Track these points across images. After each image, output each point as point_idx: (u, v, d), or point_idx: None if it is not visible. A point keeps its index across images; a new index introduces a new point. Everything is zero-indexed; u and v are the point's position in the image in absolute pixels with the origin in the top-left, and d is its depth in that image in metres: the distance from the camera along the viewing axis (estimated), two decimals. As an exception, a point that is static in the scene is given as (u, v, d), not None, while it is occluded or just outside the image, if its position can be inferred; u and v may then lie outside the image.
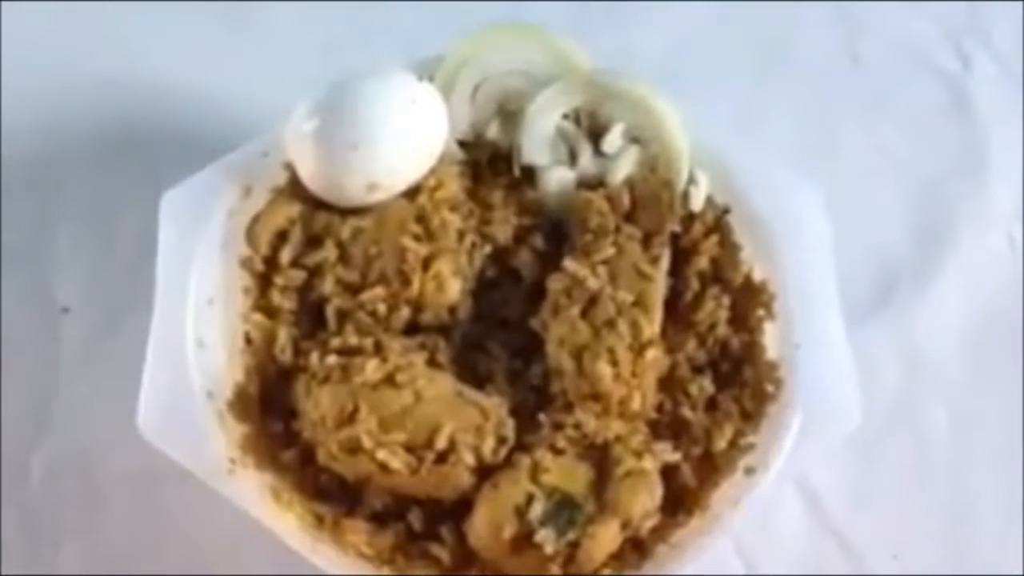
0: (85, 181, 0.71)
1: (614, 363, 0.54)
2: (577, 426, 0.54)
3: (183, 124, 0.72)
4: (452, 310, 0.57)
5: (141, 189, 0.62)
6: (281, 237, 0.57)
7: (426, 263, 0.57)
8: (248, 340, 0.57)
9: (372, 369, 0.53)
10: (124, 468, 0.64)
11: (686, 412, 0.57)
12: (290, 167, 0.60)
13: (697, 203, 0.61)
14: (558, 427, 0.54)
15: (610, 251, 0.58)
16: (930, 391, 0.70)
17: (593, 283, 0.56)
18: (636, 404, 0.55)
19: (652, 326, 0.56)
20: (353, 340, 0.56)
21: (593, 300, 0.56)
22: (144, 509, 0.63)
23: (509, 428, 0.54)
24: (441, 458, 0.52)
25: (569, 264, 0.57)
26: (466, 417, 0.53)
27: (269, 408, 0.56)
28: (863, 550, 0.65)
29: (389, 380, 0.53)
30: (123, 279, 0.68)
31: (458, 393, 0.54)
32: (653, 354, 0.55)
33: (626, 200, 0.60)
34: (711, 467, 0.56)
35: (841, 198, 0.63)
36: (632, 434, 0.54)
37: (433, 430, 0.52)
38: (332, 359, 0.54)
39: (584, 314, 0.56)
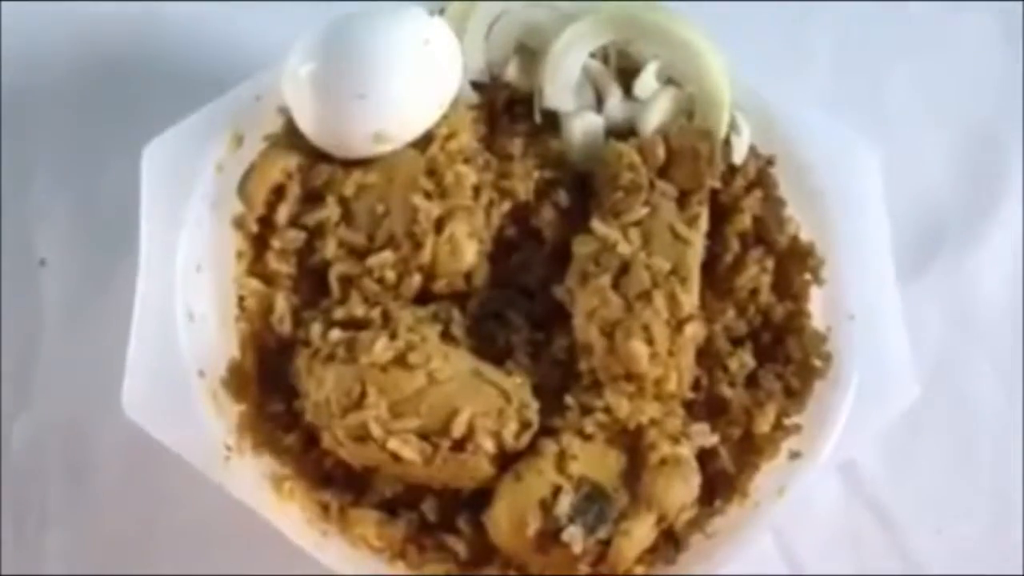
0: (63, 123, 0.66)
1: (649, 341, 0.49)
2: (608, 410, 0.49)
3: (171, 63, 0.66)
4: (468, 276, 0.53)
5: (123, 133, 0.57)
6: (277, 193, 0.53)
7: (439, 224, 0.52)
8: (242, 310, 0.53)
9: (381, 348, 0.48)
10: (114, 438, 0.59)
11: (724, 390, 0.52)
12: (286, 112, 0.54)
13: (739, 154, 0.56)
14: (587, 410, 0.49)
15: (643, 211, 0.52)
16: (978, 354, 0.65)
17: (624, 248, 0.51)
18: (672, 385, 0.50)
19: (691, 298, 0.51)
20: (359, 311, 0.51)
21: (625, 268, 0.51)
22: (136, 484, 0.59)
23: (533, 411, 0.50)
24: (458, 446, 0.48)
25: (598, 226, 0.52)
26: (485, 400, 0.49)
27: (268, 385, 0.52)
28: (904, 524, 0.62)
29: (400, 360, 0.48)
30: (107, 229, 0.63)
31: (476, 372, 0.50)
32: (692, 330, 0.50)
33: (660, 152, 0.54)
34: (752, 450, 0.52)
35: (885, 143, 0.58)
36: (667, 417, 0.50)
37: (449, 415, 0.48)
38: (336, 334, 0.50)
39: (615, 284, 0.51)
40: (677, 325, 0.50)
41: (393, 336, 0.49)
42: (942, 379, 0.64)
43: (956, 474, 0.63)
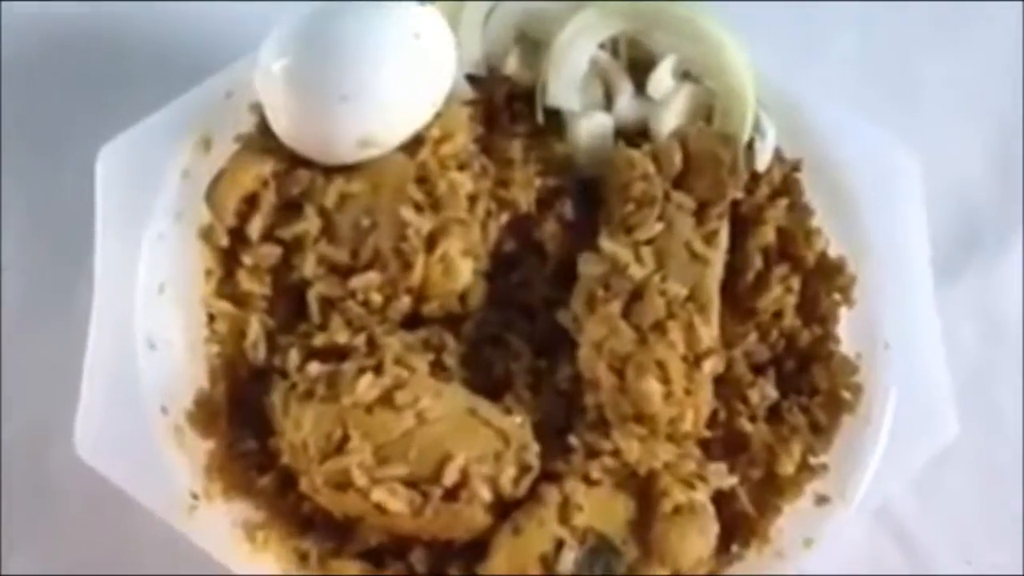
0: (23, 117, 0.62)
1: (664, 380, 0.46)
2: (616, 452, 0.46)
3: (142, 55, 0.62)
4: (462, 297, 0.50)
5: (88, 131, 0.53)
6: (250, 202, 0.49)
7: (431, 240, 0.48)
8: (212, 334, 0.49)
9: (365, 386, 0.45)
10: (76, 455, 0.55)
11: (744, 424, 0.49)
12: (259, 109, 0.51)
13: (763, 160, 0.52)
14: (593, 453, 0.46)
15: (657, 227, 0.49)
16: (1010, 370, 0.61)
17: (637, 271, 0.47)
18: (688, 425, 0.46)
19: (710, 328, 0.47)
20: (341, 337, 0.47)
21: (637, 294, 0.47)
22: (107, 500, 0.53)
23: (533, 454, 0.46)
24: (451, 495, 0.45)
25: (606, 243, 0.48)
26: (481, 442, 0.45)
27: (239, 420, 0.49)
28: (930, 554, 0.59)
29: (386, 399, 0.45)
30: (70, 233, 0.58)
31: (471, 411, 0.46)
32: (711, 366, 0.46)
33: (677, 159, 0.50)
34: (774, 492, 0.48)
35: (912, 144, 0.54)
36: (681, 459, 0.46)
37: (441, 460, 0.45)
38: (315, 367, 0.46)
39: (626, 312, 0.47)
40: (695, 360, 0.46)
41: (378, 371, 0.45)
42: (973, 397, 0.59)
43: (987, 500, 0.59)
